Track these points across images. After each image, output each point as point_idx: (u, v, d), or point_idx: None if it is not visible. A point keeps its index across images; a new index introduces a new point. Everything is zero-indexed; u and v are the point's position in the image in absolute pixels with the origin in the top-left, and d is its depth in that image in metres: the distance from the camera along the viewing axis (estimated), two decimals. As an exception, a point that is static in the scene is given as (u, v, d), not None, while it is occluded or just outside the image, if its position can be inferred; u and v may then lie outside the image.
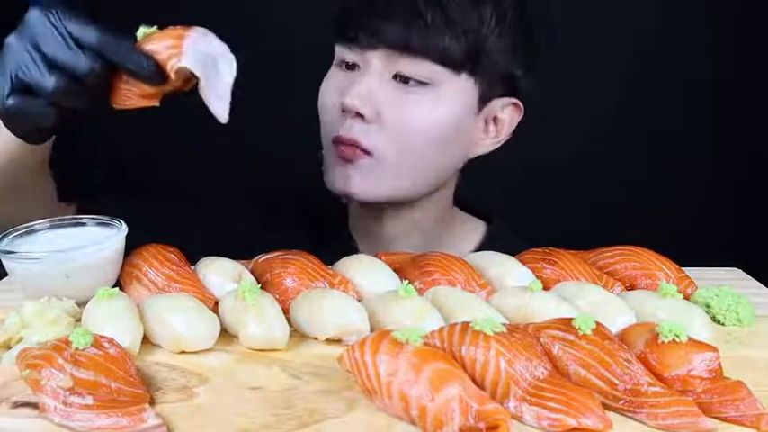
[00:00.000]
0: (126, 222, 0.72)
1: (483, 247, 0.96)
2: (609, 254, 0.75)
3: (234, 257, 0.73)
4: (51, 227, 0.74)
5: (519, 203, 1.49)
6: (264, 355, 0.60)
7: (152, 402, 0.52)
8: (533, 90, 0.88)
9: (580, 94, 1.58)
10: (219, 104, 0.61)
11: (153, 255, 0.72)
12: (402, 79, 0.80)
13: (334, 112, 0.84)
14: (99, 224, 0.74)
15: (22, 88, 0.60)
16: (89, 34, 0.59)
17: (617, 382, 0.51)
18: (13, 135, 0.65)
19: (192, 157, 1.61)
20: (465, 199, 1.00)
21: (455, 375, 0.48)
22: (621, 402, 0.50)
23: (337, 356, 0.54)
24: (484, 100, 0.85)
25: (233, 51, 0.62)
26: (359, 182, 0.83)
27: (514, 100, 0.87)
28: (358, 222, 0.96)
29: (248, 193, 1.02)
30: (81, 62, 0.58)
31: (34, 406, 0.51)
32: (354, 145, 0.81)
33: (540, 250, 0.75)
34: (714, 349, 0.54)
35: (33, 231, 0.73)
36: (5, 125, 0.64)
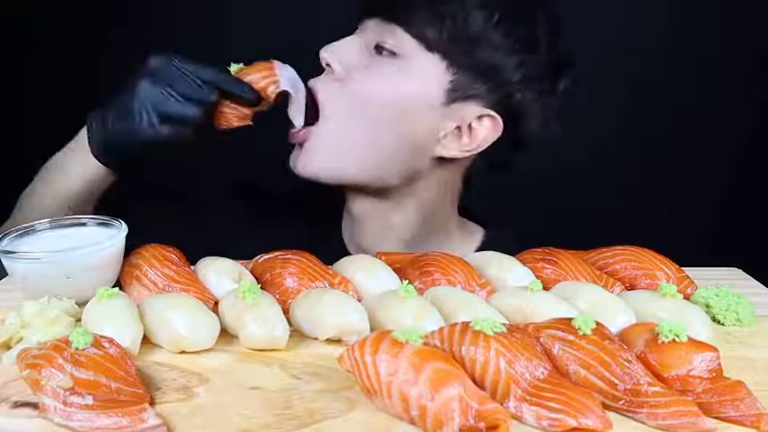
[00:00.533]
0: (126, 222, 0.72)
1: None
2: (609, 254, 0.75)
3: (234, 257, 0.73)
4: (51, 227, 0.74)
5: (519, 203, 1.49)
6: (264, 355, 0.60)
7: (152, 402, 0.52)
8: (541, 121, 0.85)
9: (579, 94, 1.57)
10: (299, 115, 0.82)
11: (153, 255, 0.72)
12: (379, 50, 0.82)
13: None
14: (99, 224, 0.75)
15: (165, 118, 0.76)
16: (205, 72, 0.76)
17: (617, 382, 0.51)
18: (99, 165, 0.80)
19: (189, 158, 1.61)
20: (464, 203, 0.98)
21: (455, 375, 0.48)
22: (621, 402, 0.50)
23: (337, 356, 0.54)
24: (456, 94, 0.81)
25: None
26: (305, 158, 0.85)
27: (491, 112, 0.82)
28: (345, 227, 0.96)
29: (242, 195, 1.02)
30: (206, 94, 0.76)
31: (34, 406, 0.51)
32: (310, 101, 0.83)
33: (540, 250, 0.75)
34: (714, 349, 0.54)
35: (33, 231, 0.73)
36: (137, 151, 0.78)
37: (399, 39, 0.81)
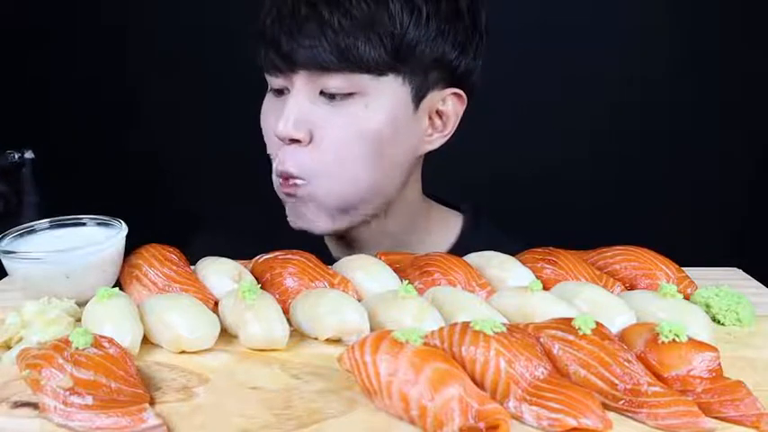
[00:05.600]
0: (126, 222, 0.73)
1: (462, 238, 0.95)
2: (609, 254, 0.75)
3: (234, 257, 0.73)
4: (51, 227, 0.74)
5: (519, 203, 1.49)
6: (264, 355, 0.60)
7: (152, 402, 0.52)
8: (479, 72, 0.85)
9: (580, 93, 1.58)
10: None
11: (153, 255, 0.72)
12: (328, 96, 0.78)
13: (273, 141, 0.83)
14: (99, 224, 0.75)
15: None
16: None
17: (617, 382, 0.51)
18: None
19: (190, 159, 1.61)
20: (442, 194, 0.99)
21: (455, 375, 0.48)
22: (621, 402, 0.50)
23: (337, 356, 0.54)
24: (419, 95, 0.81)
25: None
26: (312, 216, 0.83)
27: (454, 90, 0.83)
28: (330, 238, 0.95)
29: (229, 199, 1.02)
30: None
31: (34, 406, 0.51)
32: (289, 177, 0.81)
33: (540, 250, 0.75)
34: (714, 349, 0.54)
35: (33, 231, 0.73)
36: None
37: (343, 79, 0.77)
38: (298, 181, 0.81)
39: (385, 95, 0.79)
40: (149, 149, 1.62)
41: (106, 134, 1.61)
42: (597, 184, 1.65)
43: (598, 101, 1.60)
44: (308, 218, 0.84)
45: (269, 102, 0.85)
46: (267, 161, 0.86)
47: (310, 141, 0.80)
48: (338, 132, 0.79)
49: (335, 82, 0.77)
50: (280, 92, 0.82)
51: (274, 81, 0.82)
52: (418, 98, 0.81)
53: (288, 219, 0.86)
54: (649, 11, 1.59)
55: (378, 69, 0.77)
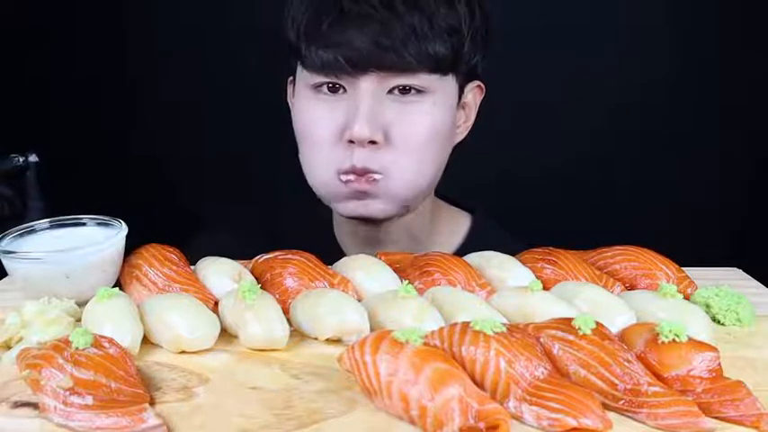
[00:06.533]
0: (126, 222, 0.73)
1: (470, 238, 0.96)
2: (609, 254, 0.75)
3: (234, 257, 0.73)
4: (51, 227, 0.74)
5: (519, 203, 1.49)
6: (264, 355, 0.60)
7: (152, 402, 0.52)
8: (488, 66, 0.88)
9: (580, 93, 1.58)
10: None
11: (153, 255, 0.72)
12: (401, 90, 0.79)
13: (330, 143, 0.81)
14: (99, 224, 0.75)
15: None
16: None
17: (617, 382, 0.51)
18: None
19: (190, 159, 1.61)
20: (450, 193, 1.00)
21: (455, 375, 0.48)
22: (621, 402, 0.50)
23: (337, 356, 0.54)
24: (461, 90, 0.86)
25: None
26: (377, 204, 0.83)
27: (478, 83, 0.88)
28: (344, 226, 0.94)
29: (237, 199, 1.03)
30: None
31: (34, 406, 0.51)
32: (366, 172, 0.80)
33: (540, 250, 0.75)
34: (714, 349, 0.54)
35: (33, 231, 0.73)
36: None
37: (419, 78, 0.79)
38: (376, 175, 0.80)
39: (446, 93, 0.83)
40: (149, 149, 1.62)
41: (106, 135, 1.61)
42: (597, 185, 1.65)
43: (599, 102, 1.60)
44: (375, 207, 0.83)
45: (315, 100, 0.82)
46: (294, 163, 0.85)
47: (386, 141, 0.79)
48: (412, 130, 0.81)
49: (410, 81, 0.79)
50: (332, 89, 0.80)
51: (322, 78, 0.80)
52: (461, 93, 0.86)
53: (340, 207, 0.84)
54: (650, 12, 1.59)
55: (444, 69, 0.81)
